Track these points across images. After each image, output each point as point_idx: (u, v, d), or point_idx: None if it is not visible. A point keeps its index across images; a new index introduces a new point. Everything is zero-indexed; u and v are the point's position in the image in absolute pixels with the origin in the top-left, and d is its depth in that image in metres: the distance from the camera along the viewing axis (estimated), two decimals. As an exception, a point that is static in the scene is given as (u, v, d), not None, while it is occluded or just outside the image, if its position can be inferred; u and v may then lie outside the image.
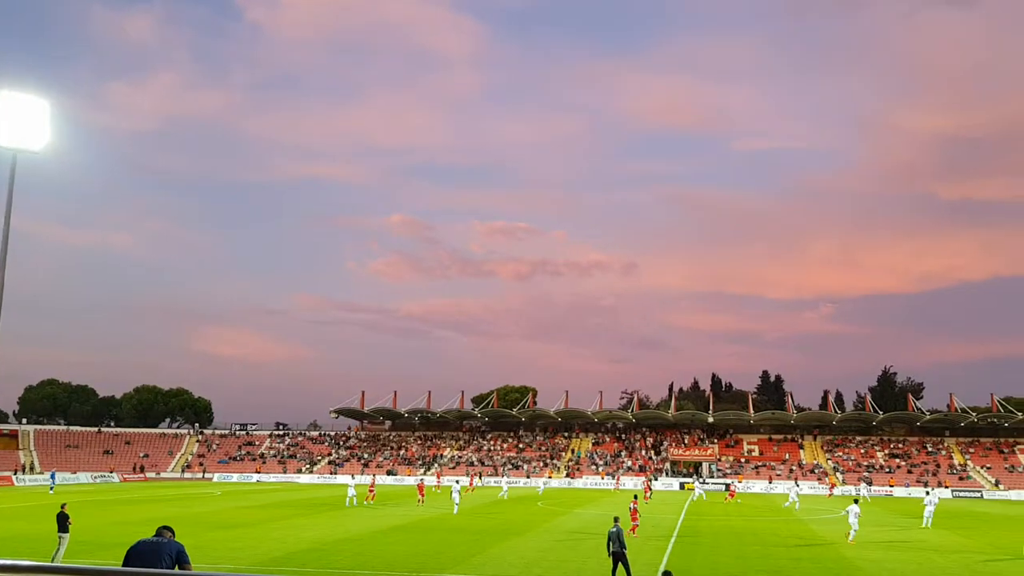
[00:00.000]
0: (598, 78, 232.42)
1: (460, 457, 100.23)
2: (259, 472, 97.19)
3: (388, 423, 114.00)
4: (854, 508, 35.84)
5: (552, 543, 32.74)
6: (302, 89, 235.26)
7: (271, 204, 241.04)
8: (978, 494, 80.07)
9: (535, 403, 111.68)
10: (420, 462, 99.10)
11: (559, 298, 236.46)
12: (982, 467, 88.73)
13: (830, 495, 75.92)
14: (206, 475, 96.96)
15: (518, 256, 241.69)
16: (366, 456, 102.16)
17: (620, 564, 22.52)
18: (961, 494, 79.88)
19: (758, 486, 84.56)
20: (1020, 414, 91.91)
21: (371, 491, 58.57)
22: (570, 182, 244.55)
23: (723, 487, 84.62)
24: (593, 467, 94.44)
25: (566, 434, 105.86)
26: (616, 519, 24.33)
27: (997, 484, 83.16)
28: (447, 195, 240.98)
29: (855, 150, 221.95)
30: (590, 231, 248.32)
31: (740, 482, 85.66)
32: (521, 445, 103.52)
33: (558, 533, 36.77)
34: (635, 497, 40.24)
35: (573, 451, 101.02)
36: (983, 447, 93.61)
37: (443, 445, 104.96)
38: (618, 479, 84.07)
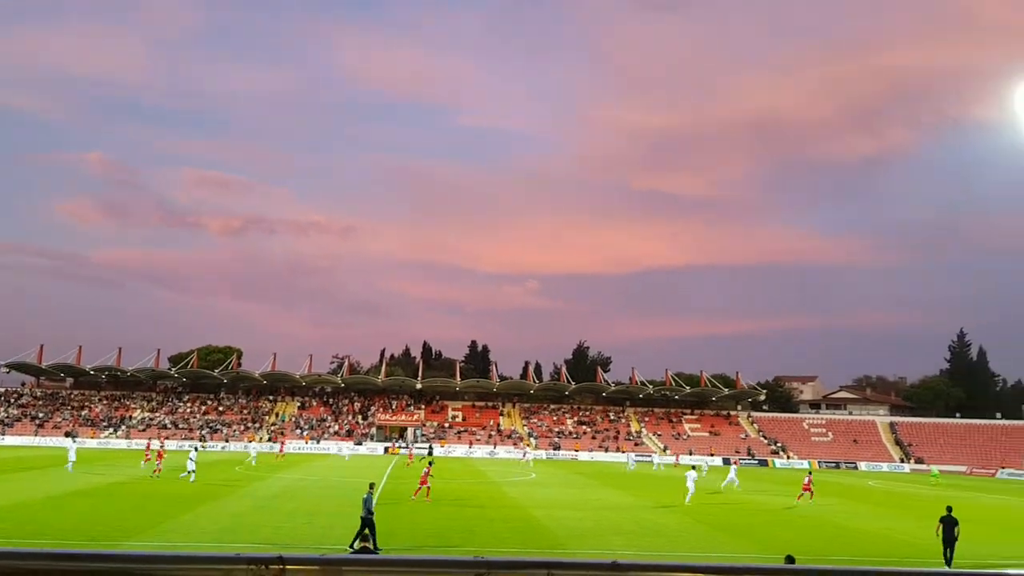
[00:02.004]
0: (327, 35, 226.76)
1: (152, 419, 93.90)
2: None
3: (70, 380, 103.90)
4: (691, 474, 40.05)
5: (248, 508, 31.70)
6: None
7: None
8: (649, 458, 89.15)
9: (239, 365, 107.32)
10: (105, 423, 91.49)
11: (273, 257, 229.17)
12: (654, 434, 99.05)
13: (676, 464, 79.73)
14: None
15: (230, 210, 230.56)
16: (41, 416, 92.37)
17: (367, 529, 22.57)
18: (637, 458, 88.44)
19: (459, 450, 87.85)
20: (688, 388, 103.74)
21: (159, 456, 51.20)
22: (292, 138, 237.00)
23: (425, 451, 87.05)
24: (298, 431, 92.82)
25: (271, 397, 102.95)
26: (371, 485, 24.28)
27: (665, 450, 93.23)
28: (154, 138, 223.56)
29: (565, 136, 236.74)
30: (309, 190, 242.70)
31: (442, 447, 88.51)
32: (221, 408, 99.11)
33: (256, 498, 35.68)
34: (429, 464, 40.84)
35: (278, 415, 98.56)
36: (656, 416, 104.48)
37: (133, 406, 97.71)
38: (410, 451, 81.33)
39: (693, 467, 44.68)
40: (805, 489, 42.13)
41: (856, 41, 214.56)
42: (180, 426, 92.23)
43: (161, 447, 54.49)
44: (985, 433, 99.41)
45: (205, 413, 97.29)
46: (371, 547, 16.39)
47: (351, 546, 21.97)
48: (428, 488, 36.14)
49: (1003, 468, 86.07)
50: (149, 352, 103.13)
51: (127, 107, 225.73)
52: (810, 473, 44.77)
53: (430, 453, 69.01)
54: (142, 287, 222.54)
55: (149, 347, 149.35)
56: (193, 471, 43.18)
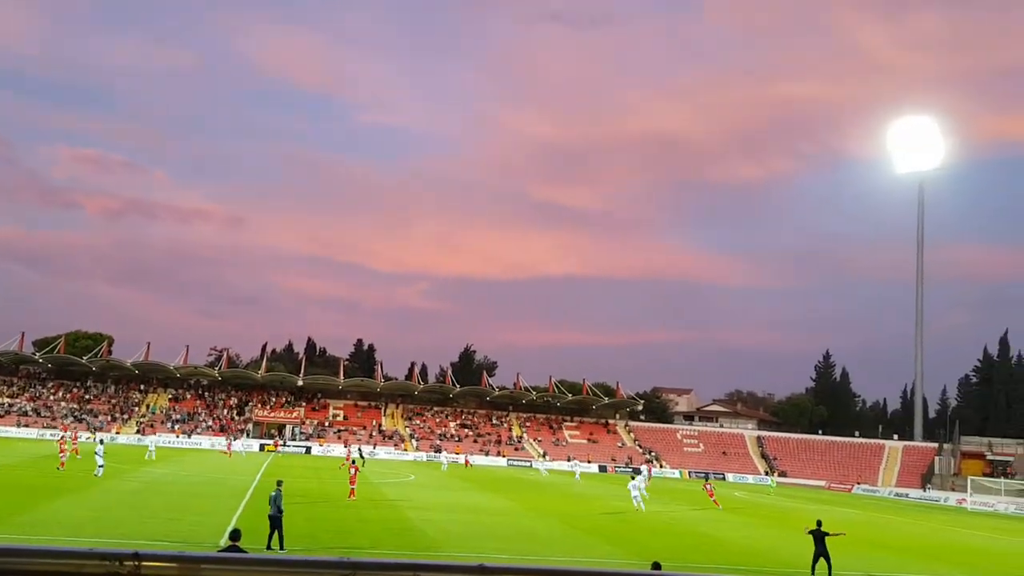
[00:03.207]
0: (227, 16, 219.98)
1: (11, 406, 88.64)
2: None
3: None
4: (633, 483, 42.10)
5: (112, 503, 30.42)
6: None
7: None
8: (528, 463, 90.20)
9: (110, 352, 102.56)
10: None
11: (153, 243, 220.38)
12: (535, 439, 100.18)
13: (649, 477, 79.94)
14: None
15: (110, 191, 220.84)
16: None
17: (276, 529, 22.09)
18: (514, 463, 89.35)
19: (338, 450, 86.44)
20: (570, 395, 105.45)
21: (74, 448, 50.75)
22: (182, 121, 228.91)
23: (304, 449, 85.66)
24: (169, 424, 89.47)
25: (142, 388, 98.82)
26: (279, 483, 23.66)
27: (544, 455, 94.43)
28: (30, 110, 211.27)
29: (466, 140, 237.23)
30: (197, 177, 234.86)
31: (321, 445, 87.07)
32: (88, 396, 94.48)
33: (119, 493, 34.26)
34: (353, 462, 42.95)
35: (148, 406, 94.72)
36: (538, 422, 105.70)
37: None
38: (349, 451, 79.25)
39: (633, 477, 47.58)
40: (711, 496, 48.16)
41: (747, 71, 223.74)
42: (42, 414, 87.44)
43: (63, 438, 51.71)
44: (844, 450, 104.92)
45: (70, 401, 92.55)
46: (238, 544, 16.01)
47: (268, 547, 21.64)
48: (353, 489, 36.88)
49: (859, 484, 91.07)
50: (13, 334, 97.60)
51: (0, 75, 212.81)
52: (708, 482, 52.54)
53: (360, 456, 69.38)
54: (9, 266, 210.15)
55: (13, 330, 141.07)
56: (102, 465, 40.43)
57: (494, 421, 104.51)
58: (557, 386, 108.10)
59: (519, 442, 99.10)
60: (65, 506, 28.40)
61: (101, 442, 46.01)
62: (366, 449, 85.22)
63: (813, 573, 23.94)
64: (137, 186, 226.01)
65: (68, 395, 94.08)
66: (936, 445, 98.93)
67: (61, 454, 45.09)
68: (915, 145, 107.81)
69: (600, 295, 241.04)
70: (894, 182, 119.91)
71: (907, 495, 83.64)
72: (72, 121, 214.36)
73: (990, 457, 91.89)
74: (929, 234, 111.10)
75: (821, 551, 24.06)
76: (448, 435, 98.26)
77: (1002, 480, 75.81)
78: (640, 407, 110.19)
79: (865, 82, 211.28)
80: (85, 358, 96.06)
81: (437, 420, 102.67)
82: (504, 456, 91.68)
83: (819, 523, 24.68)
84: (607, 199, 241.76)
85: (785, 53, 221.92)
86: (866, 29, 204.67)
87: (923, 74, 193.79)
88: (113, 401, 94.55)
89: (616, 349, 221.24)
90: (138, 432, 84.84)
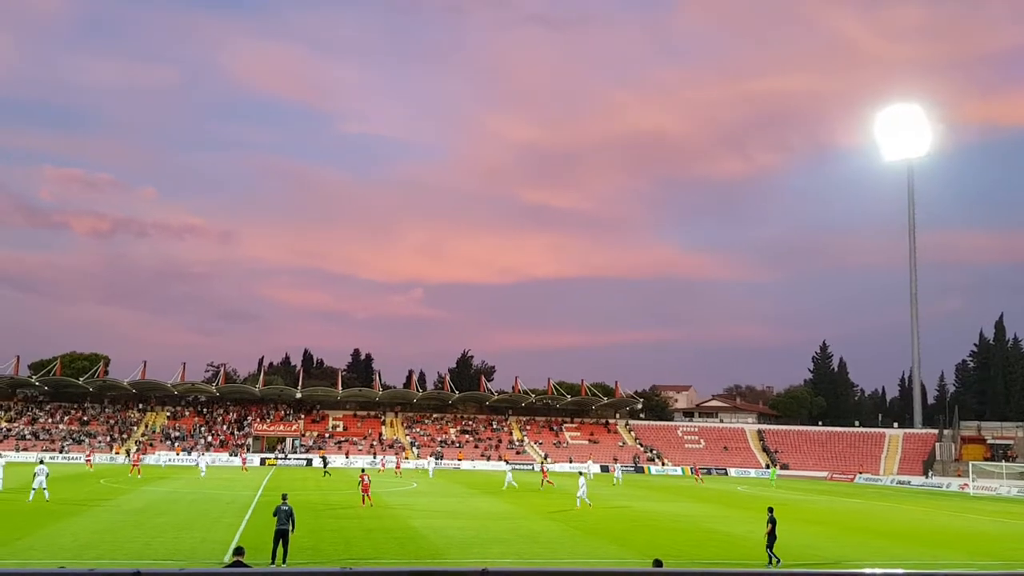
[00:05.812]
0: (209, 32, 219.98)
1: (10, 430, 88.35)
2: None
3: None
4: (581, 480, 42.72)
5: (113, 523, 30.32)
6: None
7: None
8: (530, 467, 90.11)
9: (106, 372, 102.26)
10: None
11: (144, 261, 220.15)
12: (536, 442, 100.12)
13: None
14: None
15: (98, 211, 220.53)
16: None
17: (282, 542, 21.87)
18: (517, 467, 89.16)
19: (338, 460, 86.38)
20: (569, 396, 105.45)
21: (135, 465, 61.97)
22: (166, 137, 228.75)
23: (305, 462, 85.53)
24: (168, 443, 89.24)
25: (140, 407, 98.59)
26: (284, 496, 23.55)
27: (546, 458, 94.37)
28: (12, 132, 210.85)
29: (451, 147, 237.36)
30: (185, 192, 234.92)
31: (322, 457, 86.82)
32: (86, 418, 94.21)
33: (120, 513, 34.16)
34: (362, 471, 44.71)
35: (147, 425, 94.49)
36: (538, 425, 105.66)
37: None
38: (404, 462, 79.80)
39: (581, 473, 47.26)
40: (544, 476, 56.25)
41: (727, 66, 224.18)
42: (41, 437, 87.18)
43: (138, 453, 62.49)
44: (844, 440, 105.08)
45: (69, 423, 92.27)
46: (243, 560, 15.96)
47: (276, 561, 21.47)
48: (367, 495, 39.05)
49: (861, 473, 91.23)
50: (8, 359, 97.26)
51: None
52: (543, 465, 66.75)
53: (325, 465, 71.59)
54: (1, 291, 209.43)
55: (8, 354, 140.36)
56: (35, 489, 36.78)
57: (494, 426, 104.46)
58: (556, 388, 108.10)
59: (520, 445, 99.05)
60: (67, 529, 28.32)
61: (41, 462, 42.17)
62: (366, 459, 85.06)
63: (778, 558, 24.11)
64: (125, 204, 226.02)
65: (67, 417, 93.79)
66: (936, 431, 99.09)
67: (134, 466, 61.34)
68: (903, 133, 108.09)
69: (594, 295, 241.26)
70: (883, 170, 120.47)
71: (909, 482, 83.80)
72: (55, 142, 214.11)
73: (991, 441, 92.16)
74: (920, 220, 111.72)
75: (774, 537, 24.29)
76: (448, 441, 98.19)
77: (1003, 464, 75.94)
78: (640, 406, 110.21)
79: (848, 73, 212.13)
80: (82, 379, 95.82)
81: (437, 427, 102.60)
82: (507, 460, 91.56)
83: (771, 510, 24.98)
84: (595, 199, 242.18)
85: (765, 47, 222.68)
86: (845, 21, 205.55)
87: (906, 63, 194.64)
88: (111, 422, 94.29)
89: (613, 348, 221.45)
90: (138, 451, 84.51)
